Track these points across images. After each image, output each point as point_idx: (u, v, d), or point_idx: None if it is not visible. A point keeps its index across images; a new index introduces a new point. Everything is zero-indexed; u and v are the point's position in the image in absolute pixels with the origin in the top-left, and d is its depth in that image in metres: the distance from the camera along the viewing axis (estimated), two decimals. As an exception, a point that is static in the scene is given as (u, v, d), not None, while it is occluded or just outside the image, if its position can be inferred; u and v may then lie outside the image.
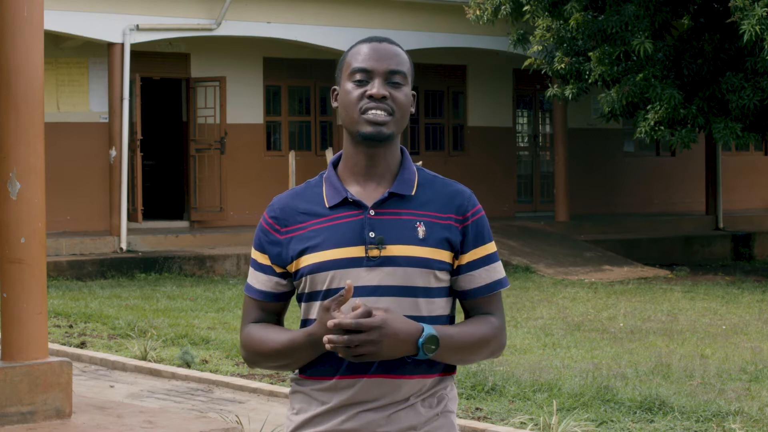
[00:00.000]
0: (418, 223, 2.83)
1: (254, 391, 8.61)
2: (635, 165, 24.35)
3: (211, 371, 9.31)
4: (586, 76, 17.13)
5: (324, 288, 2.82)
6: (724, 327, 11.81)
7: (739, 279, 16.92)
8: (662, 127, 16.42)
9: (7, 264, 6.49)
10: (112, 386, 8.90)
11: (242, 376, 9.15)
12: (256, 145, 20.32)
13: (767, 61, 15.32)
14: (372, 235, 2.81)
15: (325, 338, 2.66)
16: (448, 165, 21.70)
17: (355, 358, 2.68)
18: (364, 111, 2.81)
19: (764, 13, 14.71)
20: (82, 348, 10.33)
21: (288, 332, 2.86)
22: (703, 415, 7.47)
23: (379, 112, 2.81)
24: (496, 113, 22.74)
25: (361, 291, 2.78)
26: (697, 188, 24.00)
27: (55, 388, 6.57)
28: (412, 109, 2.91)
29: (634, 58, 16.51)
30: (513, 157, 23.13)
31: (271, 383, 8.81)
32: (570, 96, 17.56)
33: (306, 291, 2.86)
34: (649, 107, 16.45)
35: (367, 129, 2.82)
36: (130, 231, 17.80)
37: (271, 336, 2.86)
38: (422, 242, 2.82)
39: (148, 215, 19.34)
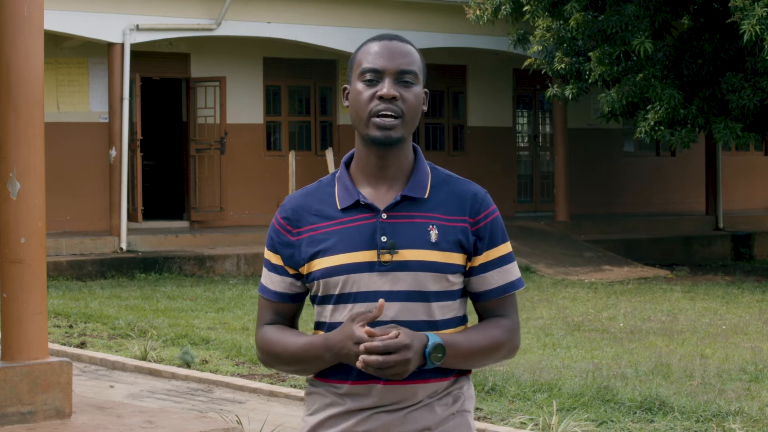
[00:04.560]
0: (430, 226, 2.80)
1: (254, 391, 8.61)
2: (635, 165, 24.35)
3: (211, 371, 9.30)
4: (586, 76, 17.13)
5: (337, 292, 2.80)
6: (724, 327, 11.81)
7: (739, 279, 16.91)
8: (662, 127, 16.42)
9: (7, 264, 6.49)
10: (112, 386, 8.90)
11: (242, 376, 9.15)
12: (256, 145, 20.32)
13: (767, 61, 15.32)
14: (384, 239, 2.78)
15: (360, 360, 2.66)
16: (448, 165, 21.59)
17: (391, 377, 2.69)
18: (374, 113, 2.78)
19: (764, 13, 14.70)
20: (82, 348, 10.32)
21: (305, 336, 2.83)
22: (703, 415, 7.47)
23: (387, 115, 2.78)
24: (496, 113, 22.74)
25: (374, 296, 2.76)
26: (697, 188, 24.00)
27: (55, 388, 6.57)
28: (424, 108, 2.87)
29: (634, 58, 16.51)
30: (513, 157, 23.13)
31: (271, 383, 8.81)
32: (570, 96, 17.56)
33: (319, 294, 2.83)
34: (649, 107, 16.45)
35: (376, 133, 2.78)
36: (130, 231, 17.79)
37: (288, 339, 2.83)
38: (434, 246, 2.79)
39: (148, 215, 19.34)
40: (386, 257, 2.77)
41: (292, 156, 16.83)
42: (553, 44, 17.68)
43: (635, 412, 7.60)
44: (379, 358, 2.64)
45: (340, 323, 2.78)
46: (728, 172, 24.18)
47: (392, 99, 2.78)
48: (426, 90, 2.88)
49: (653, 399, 7.76)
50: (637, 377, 8.78)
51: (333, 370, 2.81)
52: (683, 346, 10.55)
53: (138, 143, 18.56)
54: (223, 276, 16.89)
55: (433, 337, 2.72)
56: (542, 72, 18.17)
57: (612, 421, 7.43)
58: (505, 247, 2.88)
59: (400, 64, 2.80)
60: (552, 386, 8.25)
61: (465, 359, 2.79)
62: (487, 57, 21.60)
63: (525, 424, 7.32)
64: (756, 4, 14.92)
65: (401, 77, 2.80)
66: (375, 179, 2.84)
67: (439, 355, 2.72)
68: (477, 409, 7.84)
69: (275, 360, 2.86)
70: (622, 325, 11.92)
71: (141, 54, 18.43)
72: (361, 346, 2.65)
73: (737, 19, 15.04)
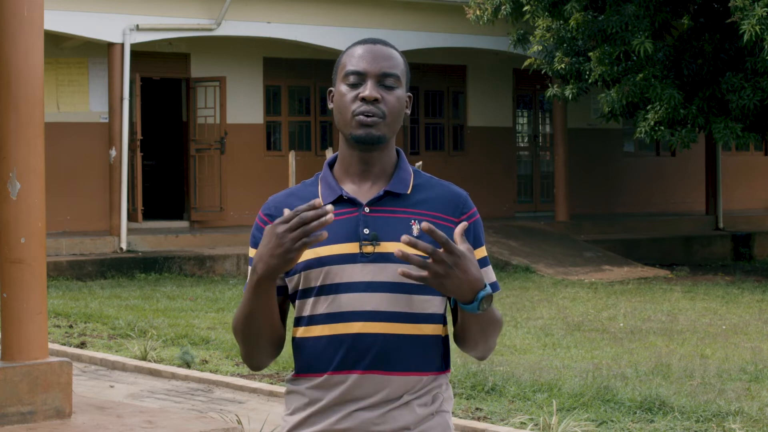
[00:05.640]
0: (413, 221, 2.84)
1: (254, 391, 8.61)
2: (635, 165, 24.35)
3: (211, 371, 9.31)
4: (586, 76, 17.13)
5: (318, 284, 2.81)
6: (724, 327, 11.81)
7: (739, 279, 16.91)
8: (662, 127, 16.42)
9: (7, 264, 6.49)
10: (112, 386, 8.90)
11: (242, 376, 9.15)
12: (256, 145, 20.32)
13: (767, 61, 15.33)
14: (366, 231, 2.81)
15: (406, 238, 2.57)
16: (448, 165, 21.70)
17: (424, 277, 2.60)
18: (356, 114, 2.82)
19: (764, 13, 14.71)
20: (82, 348, 10.33)
21: None
22: (703, 415, 7.47)
23: (369, 115, 2.81)
24: (496, 113, 22.74)
25: (355, 287, 2.78)
26: (697, 188, 24.00)
27: (55, 388, 6.57)
28: (407, 111, 2.92)
29: (634, 58, 16.52)
30: (513, 157, 23.13)
31: (271, 383, 8.81)
32: (570, 96, 17.56)
33: (300, 287, 2.85)
34: (649, 107, 16.45)
35: (358, 132, 2.82)
36: (130, 231, 17.80)
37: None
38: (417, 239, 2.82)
39: (148, 215, 19.34)
40: (368, 249, 2.80)
41: (292, 156, 16.82)
42: (553, 44, 17.68)
43: (635, 412, 7.61)
44: (429, 246, 2.58)
45: (320, 314, 2.80)
46: (728, 172, 24.18)
47: (374, 101, 2.82)
48: (409, 94, 2.92)
49: (653, 399, 7.77)
50: (637, 377, 8.78)
51: (312, 361, 2.82)
52: (683, 346, 10.55)
53: (138, 143, 18.57)
54: (223, 276, 16.89)
55: (489, 287, 2.71)
56: (542, 72, 18.17)
57: (612, 421, 7.43)
58: (485, 249, 2.93)
59: (383, 68, 2.84)
60: (552, 386, 8.25)
61: (488, 325, 2.79)
62: (487, 57, 21.60)
63: (525, 424, 7.32)
64: (756, 4, 14.92)
65: (383, 80, 2.84)
66: (358, 178, 2.88)
67: (485, 305, 2.70)
68: (477, 409, 7.84)
69: (237, 334, 2.86)
70: (622, 325, 11.92)
71: (141, 54, 18.43)
72: (425, 224, 2.58)
73: (737, 19, 15.04)
